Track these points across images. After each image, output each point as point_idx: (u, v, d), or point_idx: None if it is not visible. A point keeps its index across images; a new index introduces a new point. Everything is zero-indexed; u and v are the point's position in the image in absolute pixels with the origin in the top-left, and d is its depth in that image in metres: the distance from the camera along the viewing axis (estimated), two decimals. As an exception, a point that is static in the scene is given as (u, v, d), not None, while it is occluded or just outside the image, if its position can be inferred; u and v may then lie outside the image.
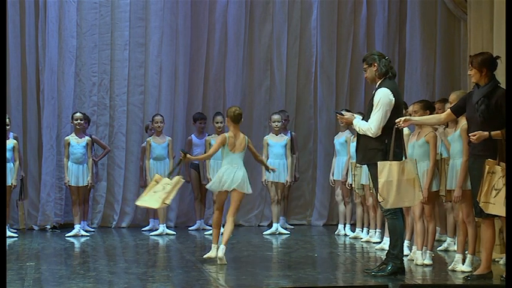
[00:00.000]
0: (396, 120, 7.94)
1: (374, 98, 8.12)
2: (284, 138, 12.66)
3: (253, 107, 13.84)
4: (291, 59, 13.93)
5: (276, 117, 12.58)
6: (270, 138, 12.44)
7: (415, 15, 13.95)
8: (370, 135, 8.05)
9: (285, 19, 13.90)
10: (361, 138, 8.23)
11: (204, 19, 13.67)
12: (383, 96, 8.05)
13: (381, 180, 7.86)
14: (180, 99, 13.48)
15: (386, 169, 7.86)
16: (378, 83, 8.22)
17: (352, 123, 8.33)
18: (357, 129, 8.20)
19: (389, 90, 8.06)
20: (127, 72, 13.33)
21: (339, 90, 14.01)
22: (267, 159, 12.29)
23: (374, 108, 8.07)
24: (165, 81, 13.43)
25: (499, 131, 7.58)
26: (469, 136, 7.72)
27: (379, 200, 7.99)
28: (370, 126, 8.05)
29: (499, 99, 7.65)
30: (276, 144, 12.62)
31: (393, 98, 8.05)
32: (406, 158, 8.08)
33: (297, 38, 13.95)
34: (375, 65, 8.20)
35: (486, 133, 7.61)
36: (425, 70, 13.97)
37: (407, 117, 8.18)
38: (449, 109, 8.15)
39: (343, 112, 8.61)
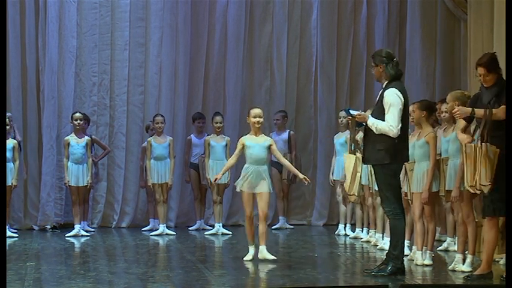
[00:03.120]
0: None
1: (384, 99, 8.07)
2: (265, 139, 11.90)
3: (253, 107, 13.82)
4: (291, 59, 13.93)
5: (257, 111, 9.60)
6: (248, 140, 9.75)
7: (415, 16, 13.95)
8: (392, 135, 8.00)
9: (285, 19, 13.91)
10: (368, 138, 8.18)
11: (204, 19, 13.67)
12: (394, 97, 8.04)
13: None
14: (180, 99, 13.49)
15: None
16: (384, 83, 8.20)
17: (365, 122, 8.23)
18: (373, 129, 8.07)
19: (397, 90, 8.08)
20: (127, 72, 13.34)
21: (339, 90, 14.01)
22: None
23: (387, 109, 8.03)
24: (165, 81, 13.44)
25: (481, 110, 7.53)
26: (472, 132, 7.70)
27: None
28: (391, 128, 7.97)
29: (510, 98, 7.63)
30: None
31: (402, 97, 8.06)
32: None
33: (297, 38, 13.95)
34: (381, 67, 8.19)
35: (469, 109, 7.59)
36: (425, 70, 13.98)
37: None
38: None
39: (353, 112, 8.35)
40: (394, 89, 8.09)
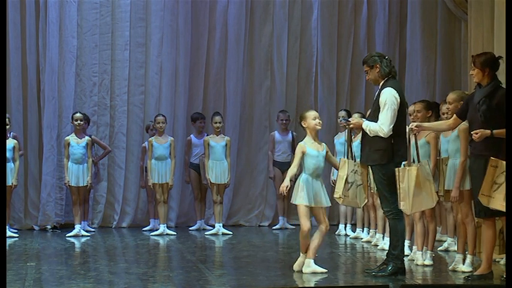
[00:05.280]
0: (410, 127, 8.00)
1: (380, 99, 8.10)
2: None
3: (253, 107, 13.85)
4: (291, 59, 13.93)
5: (315, 113, 8.87)
6: (310, 147, 8.60)
7: (415, 16, 13.95)
8: (382, 135, 8.02)
9: (285, 19, 13.91)
10: (365, 139, 8.22)
11: (205, 19, 13.67)
12: (389, 96, 8.05)
13: (402, 185, 7.91)
14: (181, 99, 13.49)
15: (406, 174, 7.91)
16: (381, 84, 8.22)
17: (361, 127, 8.27)
18: (367, 132, 8.13)
19: (394, 90, 8.08)
20: (127, 72, 13.33)
21: (339, 90, 14.02)
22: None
23: (381, 108, 8.05)
24: (166, 81, 13.44)
25: (502, 130, 7.56)
26: (471, 134, 7.72)
27: (401, 206, 7.99)
28: (382, 127, 8.01)
29: (500, 99, 7.65)
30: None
31: (399, 97, 8.06)
32: (419, 161, 8.17)
33: (297, 38, 13.95)
34: (377, 67, 8.20)
35: (488, 131, 7.61)
36: (426, 70, 13.98)
37: (419, 123, 8.18)
38: (455, 114, 8.14)
39: (350, 119, 8.59)
40: (390, 89, 8.09)
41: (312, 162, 8.39)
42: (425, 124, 8.38)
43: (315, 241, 8.40)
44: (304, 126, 8.59)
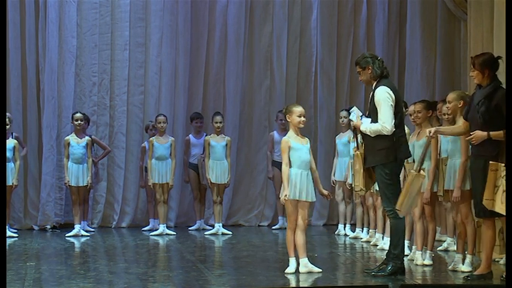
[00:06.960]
0: (428, 132, 8.00)
1: (374, 99, 8.11)
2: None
3: (253, 107, 13.85)
4: (291, 59, 13.93)
5: (301, 109, 8.53)
6: (294, 141, 8.39)
7: (415, 16, 13.95)
8: (386, 133, 7.98)
9: (285, 19, 13.90)
10: (367, 140, 8.18)
11: (204, 19, 13.68)
12: (382, 94, 8.06)
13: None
14: (180, 99, 13.49)
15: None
16: (374, 85, 8.23)
17: (359, 129, 8.24)
18: (368, 133, 8.09)
19: (386, 87, 8.09)
20: (127, 72, 13.34)
21: (339, 90, 14.02)
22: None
23: (378, 108, 8.05)
24: (165, 81, 13.44)
25: (499, 132, 7.55)
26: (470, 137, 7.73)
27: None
28: (384, 125, 7.97)
29: (499, 100, 7.64)
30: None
31: (392, 93, 8.06)
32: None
33: (297, 38, 13.95)
34: (369, 68, 8.21)
35: (485, 133, 7.60)
36: (426, 70, 13.98)
37: (437, 128, 8.13)
38: (462, 116, 8.11)
39: (352, 118, 8.53)
40: (383, 87, 8.10)
41: (297, 154, 8.31)
42: (442, 128, 8.25)
43: (299, 239, 8.29)
44: (288, 120, 8.47)
